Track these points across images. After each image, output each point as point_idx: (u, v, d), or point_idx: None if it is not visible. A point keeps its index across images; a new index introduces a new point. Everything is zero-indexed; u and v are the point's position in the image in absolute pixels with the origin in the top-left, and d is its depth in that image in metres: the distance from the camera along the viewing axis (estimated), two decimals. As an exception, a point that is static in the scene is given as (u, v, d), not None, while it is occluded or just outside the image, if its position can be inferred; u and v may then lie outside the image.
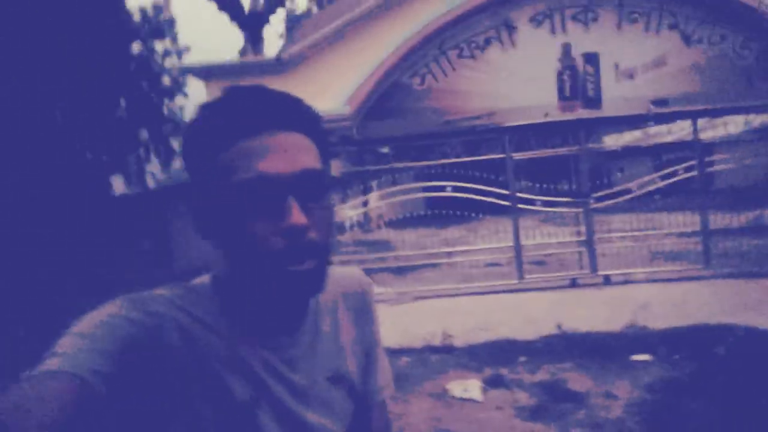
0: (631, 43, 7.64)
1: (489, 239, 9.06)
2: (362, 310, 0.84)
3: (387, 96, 7.65)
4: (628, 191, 8.65)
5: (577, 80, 7.71)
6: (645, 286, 7.54)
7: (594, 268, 8.00)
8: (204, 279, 0.72)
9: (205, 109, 0.66)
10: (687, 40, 7.63)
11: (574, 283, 7.92)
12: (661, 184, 8.56)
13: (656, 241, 8.72)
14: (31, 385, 0.51)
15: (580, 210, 8.22)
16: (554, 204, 8.44)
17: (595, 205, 8.10)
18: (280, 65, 7.35)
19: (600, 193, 8.32)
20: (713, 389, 3.74)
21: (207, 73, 7.58)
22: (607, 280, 7.90)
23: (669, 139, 9.89)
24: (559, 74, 7.70)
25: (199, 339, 0.65)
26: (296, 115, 0.65)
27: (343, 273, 0.84)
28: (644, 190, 8.57)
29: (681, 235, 8.62)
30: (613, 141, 12.53)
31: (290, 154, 0.62)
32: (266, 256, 0.61)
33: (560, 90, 7.71)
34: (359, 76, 7.33)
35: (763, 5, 7.23)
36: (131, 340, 0.58)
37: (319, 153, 0.67)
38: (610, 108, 7.69)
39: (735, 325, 5.23)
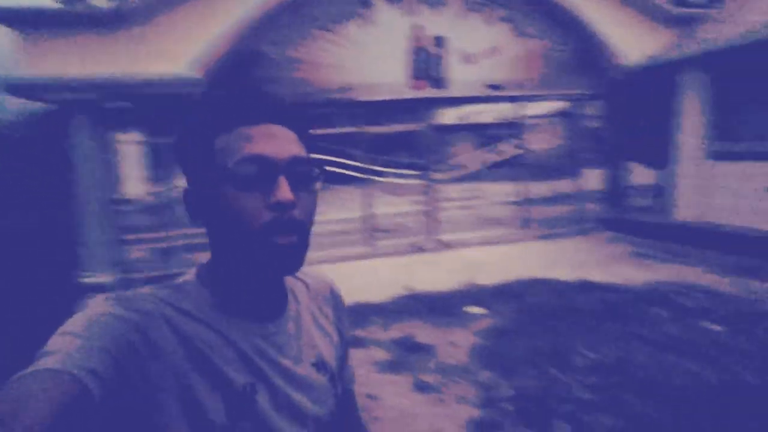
0: (474, 30, 8.39)
1: (339, 209, 9.38)
2: (337, 308, 0.91)
3: (244, 64, 7.40)
4: (464, 165, 9.57)
5: (427, 61, 8.26)
6: (477, 249, 8.54)
7: (435, 234, 8.81)
8: (187, 276, 0.75)
9: (197, 103, 0.72)
10: (518, 32, 8.63)
11: (418, 249, 8.64)
12: (492, 158, 9.62)
13: (486, 208, 9.86)
14: (25, 385, 0.51)
15: (423, 182, 8.93)
16: (400, 176, 9.02)
17: (436, 177, 8.86)
18: (117, 19, 6.62)
19: (440, 167, 9.08)
20: (531, 330, 4.52)
21: (18, 18, 6.24)
22: (446, 245, 8.76)
23: (490, 118, 11.07)
24: (411, 54, 8.17)
25: (190, 331, 0.66)
26: (287, 112, 0.73)
27: (314, 273, 0.91)
28: (477, 164, 9.57)
29: (504, 203, 9.86)
30: (447, 119, 13.63)
31: (282, 142, 0.70)
32: (254, 228, 0.66)
33: (411, 69, 8.20)
34: (210, 41, 6.97)
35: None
36: (124, 338, 0.59)
37: (303, 145, 0.75)
38: (454, 89, 8.40)
39: (546, 279, 6.27)
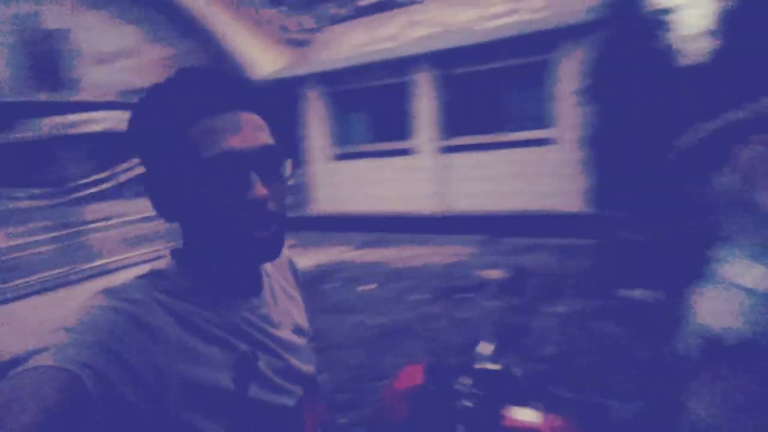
0: (102, 30, 7.62)
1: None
2: (296, 275, 0.97)
3: None
4: (106, 179, 8.63)
5: (46, 60, 7.07)
6: (132, 271, 7.85)
7: (80, 263, 7.67)
8: (162, 263, 0.73)
9: (160, 88, 0.68)
10: (150, 37, 8.29)
11: (57, 285, 7.35)
12: (130, 173, 8.97)
13: (131, 227, 9.11)
14: (19, 383, 0.50)
15: (61, 200, 7.66)
16: (32, 196, 7.49)
17: (69, 196, 7.72)
18: None
19: (73, 183, 7.97)
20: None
21: None
22: (96, 272, 7.74)
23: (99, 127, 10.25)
24: (22, 49, 6.84)
25: (184, 311, 0.67)
26: (250, 96, 0.71)
27: None
28: (120, 178, 8.77)
29: (146, 219, 9.32)
30: (71, 127, 11.92)
31: (250, 131, 0.68)
32: (235, 227, 0.66)
33: (24, 68, 6.86)
34: None
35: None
36: (119, 328, 0.59)
37: (269, 130, 0.74)
38: (84, 92, 7.46)
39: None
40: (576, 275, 5.16)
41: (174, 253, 0.75)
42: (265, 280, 0.84)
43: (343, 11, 12.74)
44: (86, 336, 0.56)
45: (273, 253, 0.71)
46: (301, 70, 9.27)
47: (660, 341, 3.55)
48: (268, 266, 0.88)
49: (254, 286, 0.80)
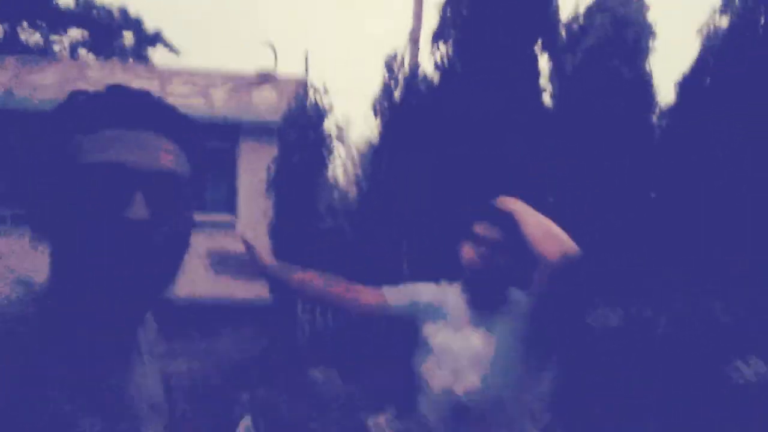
0: None
1: None
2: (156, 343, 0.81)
3: None
4: None
5: None
6: None
7: None
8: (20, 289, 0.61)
9: (77, 95, 0.63)
10: None
11: None
12: None
13: None
14: None
15: None
16: None
17: None
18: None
19: None
20: None
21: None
22: None
23: None
24: None
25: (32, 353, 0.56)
26: (166, 119, 0.64)
27: None
28: None
29: None
30: None
31: (148, 151, 0.60)
32: (95, 252, 0.56)
33: None
34: None
35: None
36: None
37: (185, 160, 0.65)
38: None
39: None
40: (260, 360, 5.36)
41: (30, 285, 0.63)
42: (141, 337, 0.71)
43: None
44: None
45: (133, 302, 0.61)
46: None
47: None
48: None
49: (117, 353, 0.65)
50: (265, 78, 8.52)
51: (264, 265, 1.61)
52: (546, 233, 1.31)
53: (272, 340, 5.82)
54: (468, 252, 1.50)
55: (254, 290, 7.48)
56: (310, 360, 5.02)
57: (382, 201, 5.34)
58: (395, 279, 1.87)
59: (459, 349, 1.48)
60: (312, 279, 1.64)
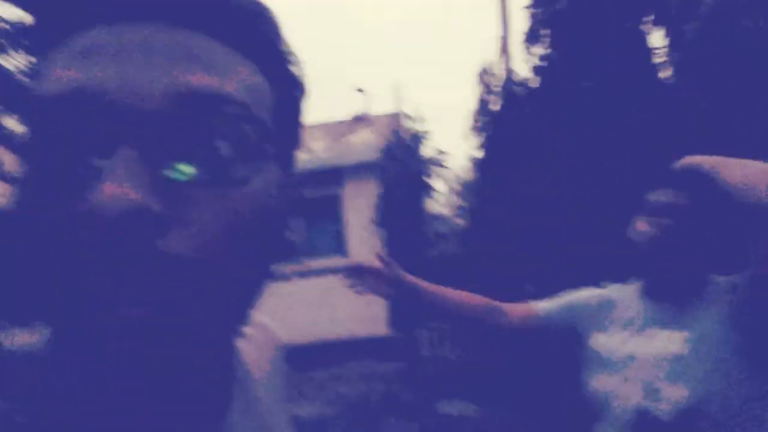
0: None
1: None
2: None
3: None
4: None
5: None
6: None
7: None
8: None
9: None
10: None
11: None
12: None
13: None
14: None
15: None
16: None
17: None
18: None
19: None
20: None
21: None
22: None
23: None
24: None
25: None
26: (221, 5, 0.31)
27: None
28: None
29: None
30: None
31: (160, 60, 0.28)
32: (63, 261, 0.27)
33: None
34: None
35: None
36: None
37: (262, 86, 0.33)
38: None
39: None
40: (391, 398, 5.15)
41: None
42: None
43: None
44: None
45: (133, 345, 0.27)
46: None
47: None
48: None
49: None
50: (360, 119, 8.73)
51: (398, 275, 1.36)
52: (765, 171, 0.93)
53: (398, 376, 5.60)
54: (644, 226, 1.15)
55: (370, 327, 7.38)
56: (438, 393, 4.72)
57: (495, 219, 5.05)
58: (519, 297, 1.58)
59: (645, 355, 1.14)
60: (459, 293, 1.40)
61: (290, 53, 0.36)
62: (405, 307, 6.09)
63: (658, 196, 1.15)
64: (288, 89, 0.35)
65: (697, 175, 1.04)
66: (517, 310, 1.38)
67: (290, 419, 0.50)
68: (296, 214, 0.41)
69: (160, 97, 0.27)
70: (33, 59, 0.32)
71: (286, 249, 0.38)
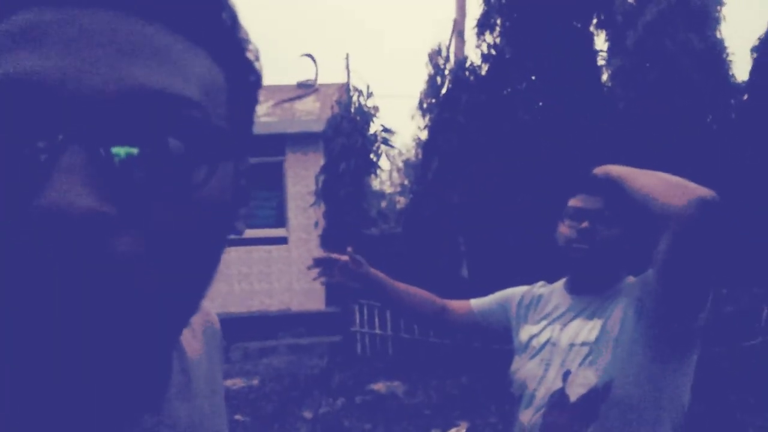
0: None
1: None
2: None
3: None
4: None
5: None
6: None
7: None
8: None
9: None
10: None
11: None
12: None
13: None
14: None
15: None
16: None
17: None
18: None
19: None
20: None
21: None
22: None
23: None
24: None
25: None
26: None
27: None
28: None
29: None
30: None
31: (115, 54, 0.27)
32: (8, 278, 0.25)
33: None
34: None
35: None
36: None
37: (217, 77, 0.32)
38: None
39: None
40: (321, 374, 5.21)
41: None
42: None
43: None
44: None
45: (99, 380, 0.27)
46: None
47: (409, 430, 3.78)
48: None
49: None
50: (305, 87, 8.49)
51: (366, 272, 1.45)
52: (664, 181, 1.08)
53: (332, 354, 5.66)
54: (565, 230, 1.28)
55: (310, 303, 7.38)
56: (371, 373, 4.82)
57: (436, 201, 5.12)
58: (455, 283, 1.66)
59: (564, 343, 1.26)
60: (410, 290, 1.52)
61: (247, 41, 0.35)
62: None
63: (577, 202, 1.27)
64: (243, 78, 0.35)
65: (608, 182, 1.19)
66: (456, 306, 1.51)
67: (223, 396, 0.51)
68: (246, 203, 0.42)
69: (113, 93, 0.26)
70: None
71: (234, 236, 0.39)
